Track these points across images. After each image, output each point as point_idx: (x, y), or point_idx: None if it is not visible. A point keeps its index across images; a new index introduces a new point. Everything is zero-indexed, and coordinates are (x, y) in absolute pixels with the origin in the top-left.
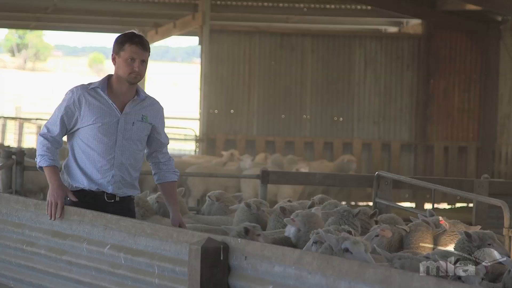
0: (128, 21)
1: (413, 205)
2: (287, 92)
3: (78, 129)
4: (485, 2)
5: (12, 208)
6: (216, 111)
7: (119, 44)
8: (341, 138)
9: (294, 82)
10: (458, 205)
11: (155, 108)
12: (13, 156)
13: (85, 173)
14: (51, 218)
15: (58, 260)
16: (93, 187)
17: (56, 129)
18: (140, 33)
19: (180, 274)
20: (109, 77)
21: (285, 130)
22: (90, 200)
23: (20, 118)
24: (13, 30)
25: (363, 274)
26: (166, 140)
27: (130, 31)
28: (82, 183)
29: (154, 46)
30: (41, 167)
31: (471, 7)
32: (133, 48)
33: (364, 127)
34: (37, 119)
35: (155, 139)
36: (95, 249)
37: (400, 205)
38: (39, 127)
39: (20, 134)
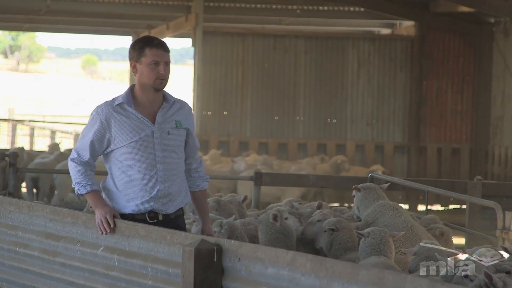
0: (121, 23)
1: (406, 206)
2: (280, 93)
3: (112, 150)
4: (478, 3)
5: (5, 210)
6: (209, 112)
7: (138, 50)
8: (334, 139)
9: (287, 84)
10: (451, 206)
11: (186, 110)
12: (6, 158)
13: (125, 195)
14: (102, 233)
15: (52, 262)
16: (135, 210)
17: (86, 154)
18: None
19: (173, 276)
20: (131, 88)
21: (278, 132)
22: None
23: (13, 120)
24: (6, 32)
25: (356, 276)
26: (198, 144)
27: (145, 35)
28: (125, 206)
29: None
30: (81, 194)
31: (463, 8)
32: (154, 51)
33: (357, 129)
34: (30, 120)
35: (188, 143)
36: (89, 251)
37: None
38: (32, 128)
39: (13, 136)
